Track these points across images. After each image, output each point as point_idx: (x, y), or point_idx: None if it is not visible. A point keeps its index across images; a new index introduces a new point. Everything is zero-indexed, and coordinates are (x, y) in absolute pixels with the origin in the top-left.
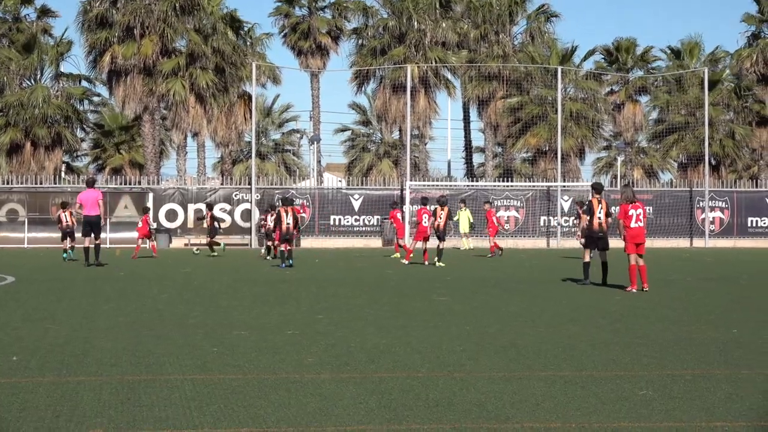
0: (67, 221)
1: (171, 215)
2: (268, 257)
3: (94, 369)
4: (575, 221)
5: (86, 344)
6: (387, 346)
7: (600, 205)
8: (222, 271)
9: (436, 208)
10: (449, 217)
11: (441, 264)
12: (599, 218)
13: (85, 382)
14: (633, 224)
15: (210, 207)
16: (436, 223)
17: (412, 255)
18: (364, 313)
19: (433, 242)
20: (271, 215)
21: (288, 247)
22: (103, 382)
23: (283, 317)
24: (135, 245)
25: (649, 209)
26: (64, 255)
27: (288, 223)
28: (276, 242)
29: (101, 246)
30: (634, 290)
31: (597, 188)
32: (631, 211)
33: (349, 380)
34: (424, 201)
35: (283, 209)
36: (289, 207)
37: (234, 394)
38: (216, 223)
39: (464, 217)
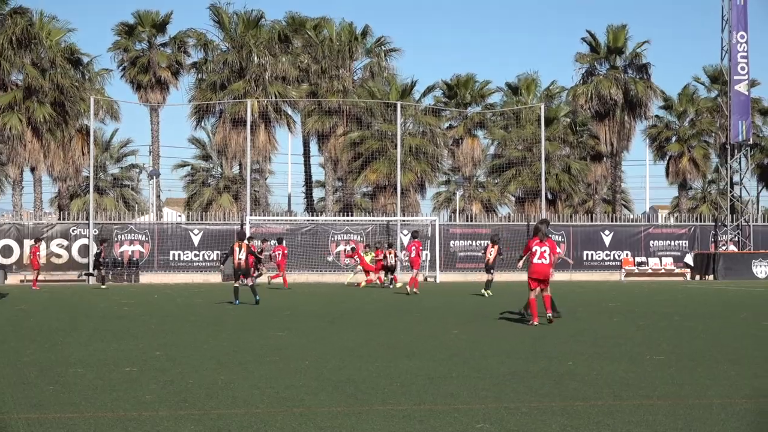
0: None
1: (6, 251)
2: None
3: None
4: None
5: None
6: (226, 382)
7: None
8: (59, 307)
9: (488, 244)
10: (499, 252)
11: (489, 293)
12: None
13: None
14: (536, 260)
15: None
16: (487, 257)
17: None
18: (202, 348)
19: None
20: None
21: (249, 284)
22: None
23: (121, 354)
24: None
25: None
26: None
27: (240, 259)
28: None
29: None
30: (536, 323)
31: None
32: (535, 248)
33: (188, 417)
34: (415, 234)
35: (237, 244)
36: (243, 242)
37: None
38: None
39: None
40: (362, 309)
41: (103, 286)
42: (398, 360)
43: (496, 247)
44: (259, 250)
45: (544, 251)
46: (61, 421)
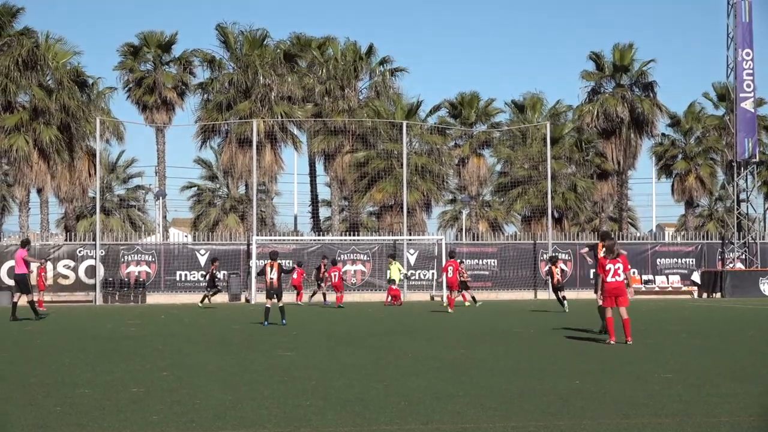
0: None
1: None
2: None
3: None
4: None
5: None
6: (233, 402)
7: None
8: (65, 328)
9: (551, 266)
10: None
11: (567, 310)
12: None
13: None
14: (610, 278)
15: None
16: (556, 278)
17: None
18: (209, 369)
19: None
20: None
21: (277, 304)
22: None
23: (128, 374)
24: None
25: (493, 262)
26: None
27: (272, 278)
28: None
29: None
30: (613, 342)
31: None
32: (609, 266)
33: None
34: (452, 254)
35: (269, 264)
36: (275, 262)
37: None
38: None
39: (395, 269)
40: (369, 328)
41: (201, 306)
42: (405, 378)
43: (559, 264)
44: (316, 269)
45: (618, 268)
46: None
